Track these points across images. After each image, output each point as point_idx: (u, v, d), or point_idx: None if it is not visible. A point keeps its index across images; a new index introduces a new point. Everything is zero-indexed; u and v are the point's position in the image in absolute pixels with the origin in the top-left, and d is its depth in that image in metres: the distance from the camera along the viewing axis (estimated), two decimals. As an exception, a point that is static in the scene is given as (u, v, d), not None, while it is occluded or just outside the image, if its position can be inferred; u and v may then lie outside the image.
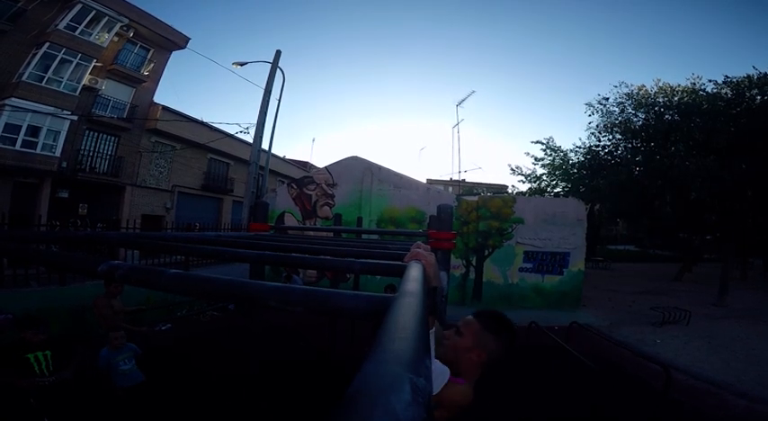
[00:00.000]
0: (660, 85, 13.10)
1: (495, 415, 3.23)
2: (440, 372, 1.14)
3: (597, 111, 13.78)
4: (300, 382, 3.41)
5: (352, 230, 7.51)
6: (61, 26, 12.77)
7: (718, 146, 10.47)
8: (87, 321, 4.40)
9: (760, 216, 10.98)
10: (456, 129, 38.93)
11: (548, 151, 14.73)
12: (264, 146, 10.77)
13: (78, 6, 13.05)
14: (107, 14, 13.76)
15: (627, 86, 13.31)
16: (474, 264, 9.11)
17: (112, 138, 14.82)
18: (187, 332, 5.09)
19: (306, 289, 0.60)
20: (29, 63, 12.27)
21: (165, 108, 15.98)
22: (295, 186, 9.41)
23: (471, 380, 1.30)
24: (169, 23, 16.14)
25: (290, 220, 9.14)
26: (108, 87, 14.51)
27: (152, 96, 16.14)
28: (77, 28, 13.14)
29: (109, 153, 14.65)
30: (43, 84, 12.39)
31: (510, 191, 15.93)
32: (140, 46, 15.66)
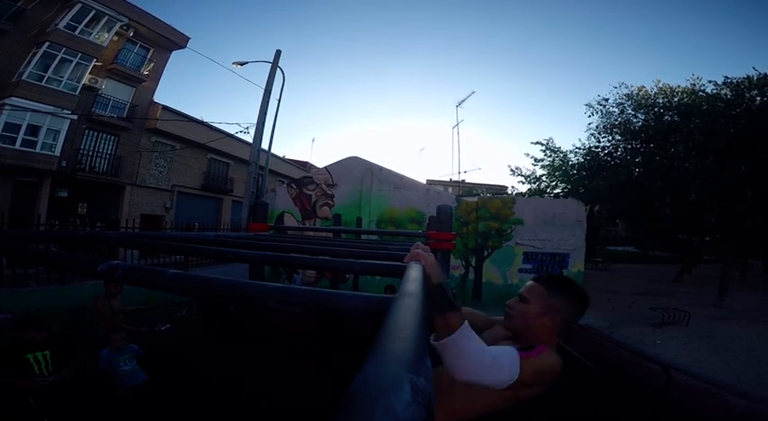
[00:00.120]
0: (660, 85, 13.12)
1: (496, 416, 3.22)
2: (505, 356, 1.08)
3: (597, 112, 13.80)
4: (300, 382, 3.41)
5: (352, 231, 7.51)
6: (61, 26, 12.76)
7: (717, 147, 10.48)
8: (87, 321, 4.39)
9: (760, 217, 10.99)
10: (456, 130, 39.00)
11: (547, 152, 14.74)
12: (264, 146, 10.76)
13: (78, 6, 13.05)
14: (107, 14, 13.75)
15: (626, 87, 13.34)
16: (473, 264, 9.11)
17: (112, 137, 14.81)
18: (187, 332, 5.08)
19: (306, 289, 0.60)
20: (29, 62, 12.27)
21: (164, 108, 15.98)
22: (295, 186, 9.42)
23: (552, 346, 1.26)
24: (169, 23, 16.15)
25: (289, 220, 9.14)
26: (108, 87, 14.50)
27: (152, 96, 16.14)
28: (77, 27, 13.14)
29: (108, 152, 14.64)
30: (43, 83, 12.39)
31: (509, 192, 15.96)
32: (140, 45, 15.66)
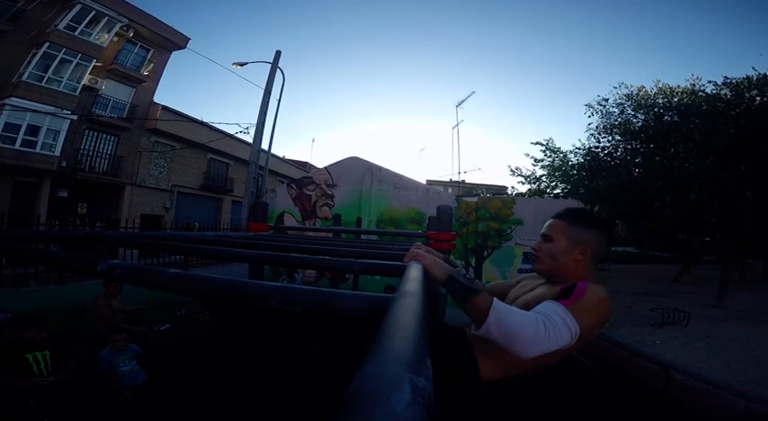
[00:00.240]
0: (660, 85, 13.11)
1: (495, 416, 3.23)
2: (554, 314, 0.99)
3: (597, 113, 13.78)
4: (300, 383, 3.41)
5: (352, 231, 7.50)
6: (61, 26, 12.77)
7: (717, 147, 10.48)
8: (87, 321, 4.39)
9: (759, 217, 10.98)
10: (456, 130, 39.02)
11: (547, 152, 14.71)
12: (264, 146, 10.76)
13: (78, 6, 13.05)
14: (107, 14, 13.76)
15: (626, 87, 13.31)
16: (473, 264, 9.11)
17: (112, 137, 14.82)
18: (186, 332, 5.08)
19: (306, 289, 0.60)
20: (29, 63, 12.27)
21: (164, 108, 15.98)
22: (295, 186, 9.41)
23: (591, 280, 1.19)
24: (169, 23, 16.17)
25: (289, 221, 9.13)
26: (108, 87, 14.51)
27: (152, 96, 16.14)
28: (77, 28, 13.15)
29: (108, 152, 14.64)
30: (43, 83, 12.39)
31: (509, 192, 15.94)
32: (140, 46, 15.66)
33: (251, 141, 10.18)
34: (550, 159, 14.76)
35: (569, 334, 0.98)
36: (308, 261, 1.28)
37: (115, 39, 14.46)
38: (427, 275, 0.98)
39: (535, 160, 15.10)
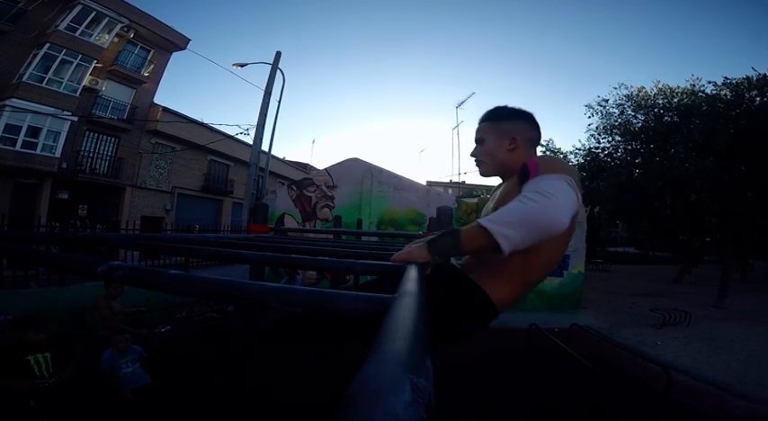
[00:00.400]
0: (660, 86, 13.12)
1: (496, 416, 3.22)
2: (528, 189, 0.99)
3: (597, 113, 13.80)
4: (300, 383, 3.41)
5: (352, 232, 7.50)
6: (62, 27, 12.79)
7: (717, 147, 10.48)
8: (87, 322, 4.39)
9: (760, 217, 10.98)
10: (456, 131, 39.05)
11: (547, 153, 14.72)
12: (264, 147, 10.78)
13: (78, 7, 13.08)
14: (107, 15, 13.78)
15: (626, 88, 13.34)
16: (474, 265, 9.09)
17: (112, 139, 14.83)
18: (187, 333, 5.08)
19: (306, 290, 0.60)
20: (29, 64, 12.29)
21: (165, 109, 16.00)
22: (295, 188, 9.41)
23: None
24: (169, 24, 16.20)
25: (289, 222, 9.13)
26: (108, 88, 14.53)
27: (152, 97, 16.16)
28: (78, 29, 13.17)
29: (109, 154, 14.66)
30: (44, 84, 12.41)
31: (510, 192, 15.88)
32: (141, 47, 15.69)
33: (251, 143, 10.20)
34: (550, 160, 14.76)
35: (561, 182, 0.99)
36: (308, 262, 1.28)
37: (116, 40, 14.49)
38: (424, 270, 0.97)
39: (535, 161, 15.10)
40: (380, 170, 9.32)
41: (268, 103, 9.97)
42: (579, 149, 14.35)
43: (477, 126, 1.40)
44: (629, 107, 13.11)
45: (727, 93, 11.60)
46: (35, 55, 12.39)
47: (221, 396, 3.25)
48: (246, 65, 11.61)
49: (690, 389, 4.01)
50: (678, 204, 12.34)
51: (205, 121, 17.99)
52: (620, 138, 13.25)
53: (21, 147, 11.90)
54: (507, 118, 1.34)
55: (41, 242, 2.23)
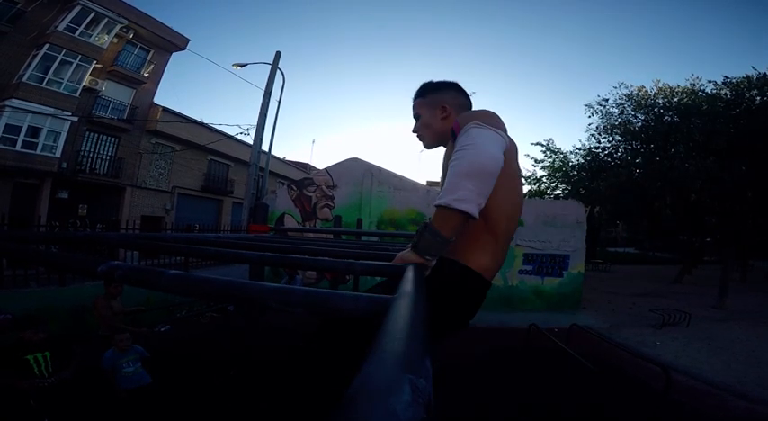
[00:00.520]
0: (660, 85, 13.12)
1: (496, 416, 3.22)
2: (468, 138, 1.05)
3: (597, 113, 13.79)
4: (300, 382, 3.41)
5: (352, 232, 7.50)
6: (61, 27, 12.79)
7: (717, 147, 10.48)
8: (87, 322, 4.39)
9: (760, 217, 10.98)
10: (456, 131, 38.97)
11: (547, 153, 14.71)
12: (264, 147, 10.77)
13: (78, 8, 13.08)
14: (107, 16, 13.78)
15: (626, 87, 13.33)
16: (474, 265, 9.09)
17: (112, 139, 14.83)
18: (186, 333, 5.08)
19: (306, 290, 0.60)
20: (29, 64, 12.29)
21: (165, 109, 15.99)
22: (295, 188, 9.40)
23: None
24: (169, 25, 16.20)
25: (289, 222, 9.13)
26: (108, 88, 14.53)
27: (152, 97, 16.16)
28: (77, 29, 13.17)
29: (109, 154, 14.66)
30: (43, 85, 12.41)
31: (510, 192, 15.85)
32: (140, 47, 15.68)
33: (251, 142, 10.20)
34: (551, 160, 14.76)
35: (472, 129, 1.06)
36: (308, 262, 1.27)
37: (115, 40, 14.49)
38: (423, 271, 0.98)
39: (535, 161, 15.11)
40: (380, 170, 9.32)
41: (268, 102, 9.97)
42: (579, 149, 14.35)
43: (412, 104, 1.50)
44: (629, 107, 13.11)
45: (728, 92, 11.60)
46: (35, 55, 12.39)
47: (221, 395, 3.25)
48: (246, 65, 11.60)
49: (690, 389, 4.01)
50: (678, 204, 12.34)
51: (205, 121, 18.01)
52: (620, 138, 13.24)
53: (21, 148, 11.90)
54: (434, 90, 1.45)
55: (41, 242, 2.23)
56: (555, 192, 15.10)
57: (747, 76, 11.32)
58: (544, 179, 15.30)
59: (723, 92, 11.75)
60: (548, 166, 14.92)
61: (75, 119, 13.16)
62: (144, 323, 4.58)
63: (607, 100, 13.57)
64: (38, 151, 12.24)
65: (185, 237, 2.07)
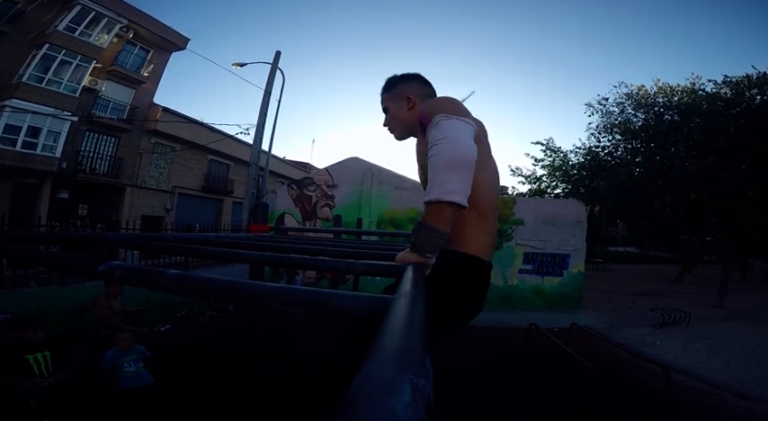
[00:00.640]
0: (660, 85, 13.11)
1: (496, 416, 3.22)
2: (441, 130, 1.07)
3: (597, 112, 13.79)
4: (300, 383, 3.41)
5: (352, 231, 7.50)
6: (61, 27, 12.78)
7: (717, 146, 10.47)
8: (87, 322, 4.39)
9: (760, 216, 10.98)
10: (456, 130, 38.93)
11: (548, 152, 14.71)
12: (264, 147, 10.77)
13: (78, 8, 13.07)
14: (106, 16, 13.77)
15: (626, 86, 13.33)
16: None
17: (112, 139, 14.83)
18: (186, 333, 5.08)
19: (306, 290, 0.60)
20: (29, 64, 12.29)
21: (165, 109, 15.99)
22: (295, 187, 9.40)
23: None
24: (169, 24, 16.20)
25: (290, 221, 9.13)
26: (108, 88, 14.52)
27: (152, 97, 16.16)
28: (77, 29, 13.16)
29: (109, 154, 14.66)
30: (43, 85, 12.41)
31: (510, 192, 15.88)
32: (140, 47, 15.68)
33: (251, 142, 10.19)
34: (551, 159, 14.76)
35: (441, 122, 1.08)
36: (308, 262, 1.27)
37: (115, 40, 14.48)
38: (423, 270, 0.98)
39: (535, 160, 15.10)
40: (381, 169, 9.32)
41: (268, 102, 9.97)
42: (579, 148, 14.34)
43: (380, 98, 1.55)
44: (629, 106, 13.10)
45: (728, 91, 11.59)
46: (34, 55, 12.38)
47: (221, 396, 3.25)
48: (246, 64, 11.60)
49: (690, 389, 4.02)
50: (678, 203, 12.33)
51: (205, 121, 17.99)
52: (620, 137, 13.24)
53: (21, 148, 11.90)
54: (398, 83, 1.50)
55: (41, 242, 2.23)
56: (555, 192, 15.10)
57: (747, 75, 11.31)
58: (544, 178, 15.30)
59: (723, 91, 11.74)
60: (548, 165, 14.91)
61: (75, 119, 13.16)
62: (144, 323, 4.58)
63: (607, 99, 13.58)
64: (38, 151, 12.23)
65: (185, 236, 2.07)
